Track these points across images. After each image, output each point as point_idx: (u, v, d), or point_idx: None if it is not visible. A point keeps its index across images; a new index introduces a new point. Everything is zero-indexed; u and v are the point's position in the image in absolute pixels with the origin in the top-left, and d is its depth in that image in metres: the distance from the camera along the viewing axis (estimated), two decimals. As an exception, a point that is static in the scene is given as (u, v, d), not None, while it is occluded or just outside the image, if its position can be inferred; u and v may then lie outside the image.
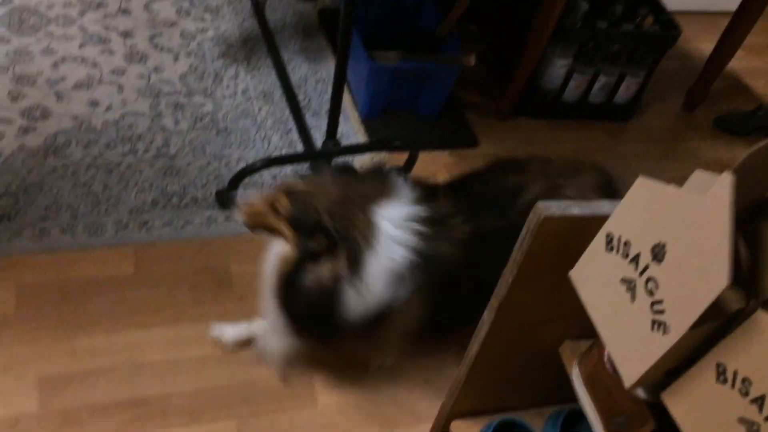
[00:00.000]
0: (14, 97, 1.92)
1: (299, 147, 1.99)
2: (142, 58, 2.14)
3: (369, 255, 1.17)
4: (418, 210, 1.21)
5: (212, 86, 2.11)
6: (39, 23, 2.15)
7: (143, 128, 1.94)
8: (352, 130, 2.08)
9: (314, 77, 2.24)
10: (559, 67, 2.15)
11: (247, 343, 1.51)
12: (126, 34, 2.20)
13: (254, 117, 2.06)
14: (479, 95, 2.30)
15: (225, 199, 1.79)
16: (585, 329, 0.81)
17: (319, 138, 2.03)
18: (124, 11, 2.27)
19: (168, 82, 2.09)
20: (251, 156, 1.94)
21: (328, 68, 2.28)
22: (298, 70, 2.25)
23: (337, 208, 1.19)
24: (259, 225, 1.29)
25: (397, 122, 2.13)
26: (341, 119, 2.05)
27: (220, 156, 1.92)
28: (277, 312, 1.30)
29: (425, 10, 2.24)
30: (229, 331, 1.51)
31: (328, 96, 2.18)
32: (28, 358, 1.40)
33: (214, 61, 2.20)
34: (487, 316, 0.95)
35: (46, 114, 1.90)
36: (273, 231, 1.27)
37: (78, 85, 2.00)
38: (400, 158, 1.97)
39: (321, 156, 1.83)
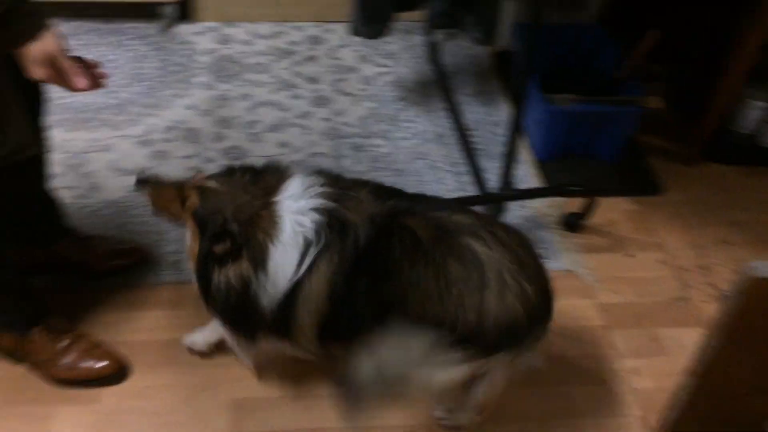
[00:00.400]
0: (217, 138, 2.12)
1: (472, 189, 2.01)
2: (326, 102, 2.28)
3: (273, 249, 1.20)
4: (321, 179, 1.25)
5: (389, 129, 2.20)
6: (237, 71, 2.36)
7: (321, 162, 2.06)
8: (526, 173, 2.07)
9: (488, 120, 2.27)
10: (756, 108, 2.01)
11: (221, 344, 1.53)
12: (312, 80, 2.36)
13: (428, 159, 2.11)
14: (663, 139, 2.20)
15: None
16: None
17: (492, 181, 2.04)
18: (311, 59, 2.44)
19: (349, 125, 2.20)
20: (423, 191, 1.98)
21: (502, 111, 2.29)
22: (472, 113, 2.29)
23: (242, 209, 1.22)
24: (163, 210, 1.35)
25: (574, 167, 2.09)
26: (518, 165, 2.05)
27: (395, 195, 1.99)
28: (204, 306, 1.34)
29: (603, 51, 2.19)
30: (198, 337, 1.54)
31: (502, 139, 2.19)
32: (223, 380, 1.52)
33: (391, 104, 2.29)
34: (689, 382, 0.90)
35: (243, 154, 2.08)
36: (177, 220, 1.33)
37: (270, 128, 2.17)
38: (576, 204, 1.92)
39: (496, 199, 1.84)
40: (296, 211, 1.22)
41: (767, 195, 2.03)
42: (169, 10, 2.44)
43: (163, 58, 2.38)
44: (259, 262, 1.21)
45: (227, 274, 1.23)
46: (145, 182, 1.35)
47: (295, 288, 1.22)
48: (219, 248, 1.22)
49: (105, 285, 1.68)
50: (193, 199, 1.27)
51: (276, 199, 1.24)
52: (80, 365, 1.48)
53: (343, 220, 1.21)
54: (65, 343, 1.48)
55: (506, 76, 2.39)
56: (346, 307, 1.23)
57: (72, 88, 1.19)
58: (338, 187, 1.26)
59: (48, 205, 1.61)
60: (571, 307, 1.71)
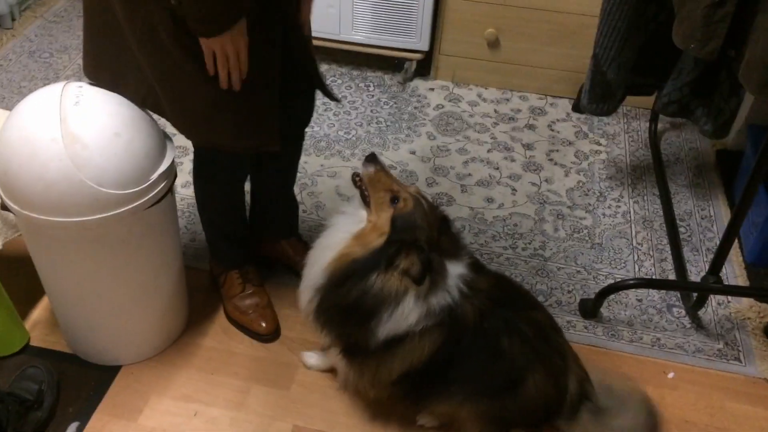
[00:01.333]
0: (429, 183, 2.30)
1: (671, 276, 1.98)
2: (537, 169, 2.38)
3: (429, 292, 1.33)
4: (468, 274, 1.39)
5: (595, 203, 2.25)
6: (460, 127, 2.55)
7: (526, 229, 2.15)
8: (732, 272, 2.00)
9: (700, 213, 2.22)
10: None
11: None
12: (528, 147, 2.47)
13: (630, 239, 2.12)
14: None
15: (588, 308, 1.87)
16: None
17: (693, 272, 2.00)
18: (530, 127, 2.56)
19: (555, 193, 2.28)
20: (620, 275, 2.00)
21: (716, 206, 2.24)
22: (684, 203, 2.26)
23: (431, 244, 1.34)
24: (368, 190, 1.40)
25: (787, 275, 1.98)
26: (726, 262, 1.99)
27: (591, 268, 2.02)
28: (310, 301, 1.40)
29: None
30: (313, 360, 1.69)
31: (711, 234, 2.15)
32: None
33: (601, 181, 2.34)
34: None
35: (450, 201, 2.23)
36: (368, 205, 1.39)
37: (480, 183, 2.31)
38: (783, 312, 1.83)
39: (699, 289, 1.81)
40: (451, 282, 1.37)
41: None
42: (410, 66, 2.71)
43: (397, 106, 2.64)
44: (428, 292, 1.34)
45: (385, 282, 1.31)
46: (375, 161, 1.44)
47: (403, 336, 1.35)
48: (405, 261, 1.31)
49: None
50: (406, 204, 1.36)
51: (447, 259, 1.38)
52: (249, 314, 1.77)
53: (458, 313, 1.37)
54: (249, 291, 1.79)
55: (728, 173, 2.34)
56: (438, 375, 1.41)
57: None
58: (473, 285, 1.40)
59: (288, 204, 1.88)
60: (761, 416, 1.62)
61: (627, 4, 1.92)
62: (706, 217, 2.21)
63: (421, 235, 1.34)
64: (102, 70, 1.42)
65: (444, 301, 1.35)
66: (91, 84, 1.41)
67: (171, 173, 1.47)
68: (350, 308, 1.35)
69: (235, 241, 1.79)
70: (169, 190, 1.49)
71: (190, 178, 2.17)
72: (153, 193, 1.41)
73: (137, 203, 1.39)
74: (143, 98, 1.41)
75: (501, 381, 1.42)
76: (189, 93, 1.34)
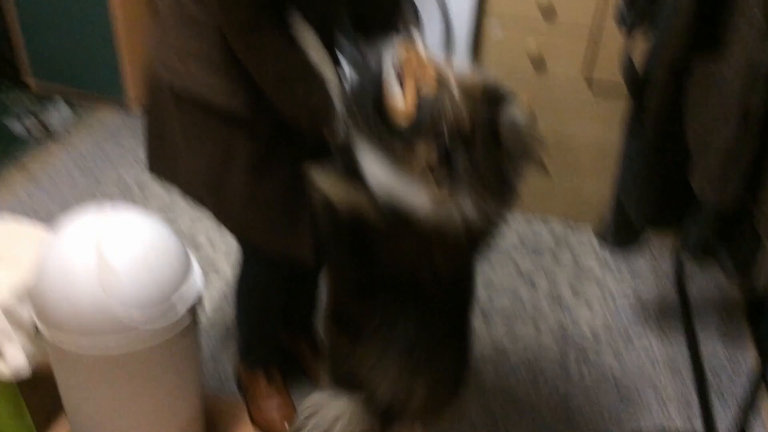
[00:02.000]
0: (453, 312, 2.30)
1: (697, 425, 1.92)
2: (561, 303, 2.37)
3: None
4: None
5: (622, 346, 2.21)
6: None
7: (547, 366, 2.11)
8: (762, 426, 1.93)
9: (729, 362, 2.17)
10: None
11: None
12: (551, 277, 2.48)
13: (655, 384, 2.07)
14: None
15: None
16: None
17: (721, 425, 1.93)
18: (554, 257, 2.57)
19: (579, 330, 2.26)
20: (646, 421, 1.94)
21: (745, 355, 2.19)
22: (712, 347, 2.21)
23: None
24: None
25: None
26: (756, 417, 1.93)
27: (613, 412, 1.97)
28: None
29: None
30: None
31: (740, 382, 2.09)
32: None
33: (627, 320, 2.31)
34: None
35: (472, 331, 2.22)
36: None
37: (500, 313, 2.30)
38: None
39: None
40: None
41: None
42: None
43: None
44: None
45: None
46: (407, 42, 1.24)
47: None
48: (421, 147, 1.11)
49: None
50: (429, 90, 1.14)
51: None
52: (272, 415, 1.78)
53: None
54: (273, 392, 1.81)
55: (756, 318, 2.30)
56: None
57: None
58: None
59: (313, 296, 1.94)
60: None
61: (646, 146, 1.97)
62: (735, 363, 2.15)
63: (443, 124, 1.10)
64: (160, 166, 1.56)
65: None
66: (127, 209, 1.48)
67: (196, 299, 1.51)
68: None
69: (266, 337, 1.83)
70: (194, 318, 1.52)
71: (220, 301, 2.21)
72: (177, 320, 1.44)
73: (161, 330, 1.41)
74: (192, 195, 1.53)
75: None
76: (230, 188, 1.43)
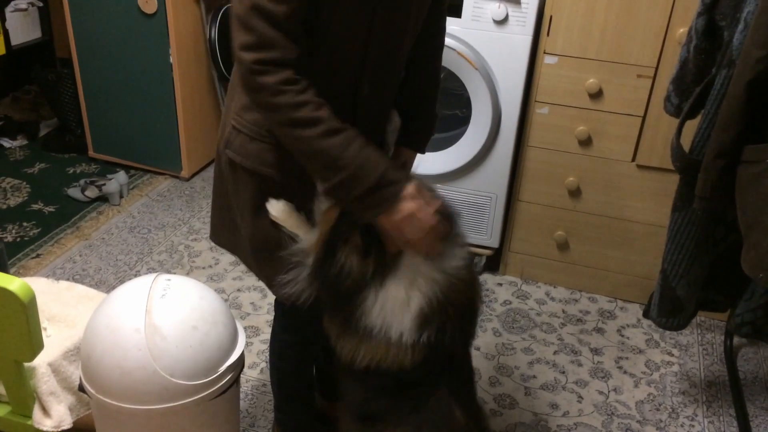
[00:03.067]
0: (492, 383, 2.28)
1: None
2: (605, 376, 2.32)
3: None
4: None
5: (667, 420, 2.15)
6: (527, 326, 2.55)
7: (591, 441, 2.06)
8: None
9: (782, 441, 2.09)
10: None
11: None
12: (596, 351, 2.44)
13: (705, 464, 2.00)
14: None
15: None
16: None
17: None
18: (599, 330, 2.54)
19: (624, 405, 2.20)
20: (694, 504, 1.86)
21: (800, 436, 2.10)
22: (763, 428, 2.13)
23: None
24: None
25: None
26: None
27: (661, 493, 1.90)
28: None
29: None
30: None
31: (795, 466, 2.00)
32: None
33: (673, 396, 2.25)
34: None
35: (513, 404, 2.19)
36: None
37: (544, 386, 2.27)
38: None
39: None
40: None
41: None
42: (479, 260, 2.79)
43: (464, 299, 2.69)
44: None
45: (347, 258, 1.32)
46: None
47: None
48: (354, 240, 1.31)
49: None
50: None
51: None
52: None
53: None
54: None
55: (811, 398, 2.21)
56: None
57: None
58: None
59: None
60: None
61: (695, 225, 1.96)
62: (789, 447, 2.07)
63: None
64: (221, 237, 1.63)
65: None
66: (179, 276, 1.54)
67: (239, 365, 1.54)
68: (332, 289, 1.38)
69: (302, 407, 1.84)
70: (235, 381, 1.55)
71: (257, 359, 2.25)
72: (220, 384, 1.47)
73: (204, 394, 1.45)
74: (249, 265, 1.58)
75: None
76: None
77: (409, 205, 1.24)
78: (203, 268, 2.73)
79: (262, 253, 1.51)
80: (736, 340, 2.47)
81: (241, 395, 2.12)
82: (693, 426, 2.13)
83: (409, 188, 1.25)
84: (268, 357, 1.81)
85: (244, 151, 1.43)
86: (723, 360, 2.40)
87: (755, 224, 1.71)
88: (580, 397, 2.23)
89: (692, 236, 1.99)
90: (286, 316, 1.69)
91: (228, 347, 1.50)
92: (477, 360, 2.36)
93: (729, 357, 2.39)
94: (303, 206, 1.44)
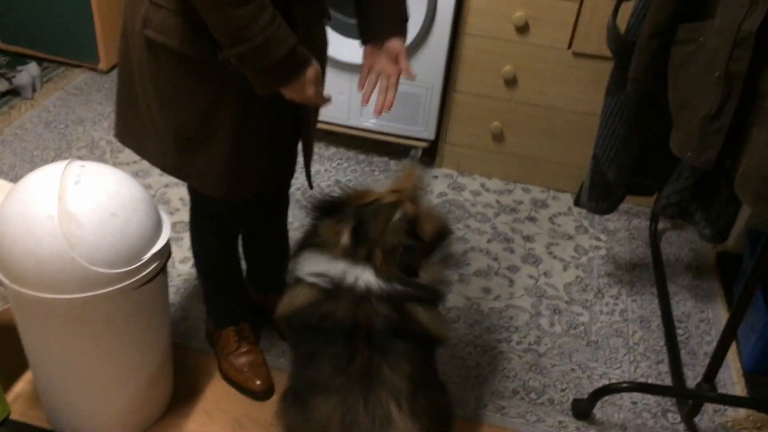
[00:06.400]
0: (427, 271, 2.30)
1: (667, 380, 1.95)
2: (536, 262, 2.38)
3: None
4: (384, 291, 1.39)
5: (592, 300, 2.23)
6: (462, 216, 2.57)
7: (521, 322, 2.13)
8: (730, 379, 1.96)
9: (698, 316, 2.20)
10: None
11: None
12: (528, 239, 2.48)
13: (627, 338, 2.09)
14: None
15: (581, 409, 1.83)
16: None
17: (690, 376, 1.96)
18: (531, 219, 2.58)
19: (553, 287, 2.27)
20: (616, 375, 1.96)
21: (715, 310, 2.22)
22: (682, 305, 2.24)
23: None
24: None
25: (787, 386, 1.94)
26: (723, 368, 1.96)
27: (585, 366, 1.99)
28: None
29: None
30: None
31: (709, 338, 2.12)
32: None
33: (599, 277, 2.33)
34: None
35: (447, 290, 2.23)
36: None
37: (477, 273, 2.31)
38: (781, 425, 1.78)
39: (693, 397, 1.77)
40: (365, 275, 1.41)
41: None
42: (415, 153, 2.77)
43: (399, 191, 2.67)
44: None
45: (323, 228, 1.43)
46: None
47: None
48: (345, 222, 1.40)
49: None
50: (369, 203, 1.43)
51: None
52: (244, 372, 1.79)
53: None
54: (244, 349, 1.82)
55: (727, 277, 2.32)
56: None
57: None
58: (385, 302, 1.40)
59: (278, 251, 1.92)
60: None
61: (627, 109, 1.97)
62: (705, 320, 2.18)
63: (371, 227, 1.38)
64: (128, 136, 1.53)
65: (343, 278, 1.36)
66: (94, 162, 1.45)
67: (164, 254, 1.49)
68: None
69: (231, 296, 1.84)
70: (162, 270, 1.50)
71: (189, 254, 2.20)
72: (144, 273, 1.42)
73: (127, 283, 1.39)
74: (163, 165, 1.50)
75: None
76: (216, 144, 1.42)
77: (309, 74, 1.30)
78: (127, 164, 2.61)
79: (187, 143, 1.43)
80: (660, 224, 2.55)
81: (174, 289, 2.08)
82: (617, 304, 2.22)
83: (311, 71, 1.30)
84: (193, 253, 1.77)
85: (166, 29, 1.31)
86: (648, 243, 2.49)
87: (685, 104, 1.72)
88: (512, 281, 2.28)
89: (624, 120, 2.00)
90: (204, 205, 1.64)
91: (151, 235, 1.44)
92: (412, 249, 2.37)
93: (653, 240, 2.48)
94: (227, 89, 1.36)
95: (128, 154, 2.64)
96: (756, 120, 1.57)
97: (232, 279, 1.82)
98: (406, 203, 1.42)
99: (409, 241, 1.38)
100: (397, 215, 1.40)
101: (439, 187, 2.70)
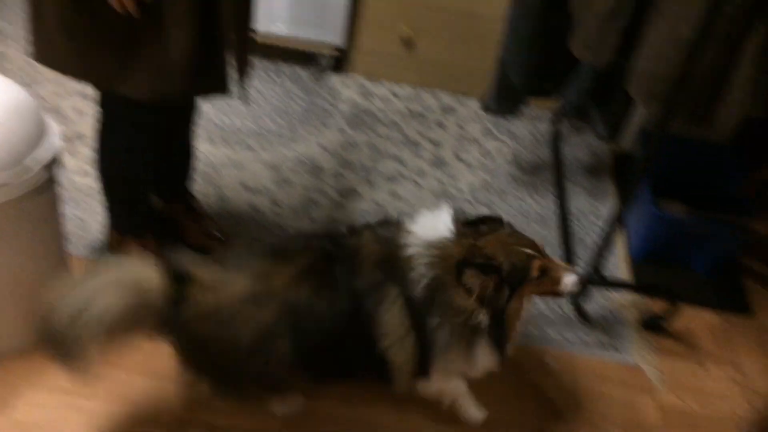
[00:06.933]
0: (336, 177, 2.32)
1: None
2: (444, 166, 2.43)
3: None
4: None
5: (497, 201, 2.32)
6: (371, 123, 2.58)
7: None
8: (618, 268, 2.10)
9: (593, 212, 2.33)
10: None
11: None
12: (436, 144, 2.53)
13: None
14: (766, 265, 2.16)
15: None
16: None
17: (582, 268, 2.09)
18: (440, 125, 2.62)
19: (460, 190, 2.34)
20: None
21: (609, 207, 2.34)
22: (579, 203, 2.36)
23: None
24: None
25: (667, 272, 2.09)
26: (611, 256, 2.09)
27: (487, 262, 2.09)
28: None
29: (725, 165, 2.20)
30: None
31: (600, 232, 2.24)
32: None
33: (504, 179, 2.41)
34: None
35: (356, 196, 2.26)
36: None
37: (386, 178, 2.35)
38: (660, 307, 1.93)
39: (581, 282, 1.89)
40: None
41: None
42: (325, 60, 2.73)
43: (309, 100, 2.65)
44: None
45: None
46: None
47: None
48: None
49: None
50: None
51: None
52: None
53: None
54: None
55: (622, 177, 2.45)
56: None
57: None
58: None
59: (185, 160, 1.90)
60: (630, 401, 1.71)
61: (531, 12, 1.99)
62: (598, 217, 2.31)
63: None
64: (45, 54, 1.46)
65: None
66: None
67: (51, 161, 1.45)
68: None
69: (136, 205, 1.81)
70: (51, 179, 1.46)
71: (87, 167, 2.14)
72: (28, 177, 1.38)
73: (10, 187, 1.36)
74: (44, 56, 1.44)
75: None
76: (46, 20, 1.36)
77: None
78: (16, 72, 2.47)
79: (81, 39, 1.37)
80: (562, 127, 2.64)
81: (71, 201, 2.03)
82: (520, 204, 2.32)
83: None
84: (95, 160, 1.72)
85: None
86: (550, 145, 2.57)
87: (585, 3, 1.76)
88: (420, 185, 2.34)
89: (528, 23, 2.03)
90: (112, 118, 1.59)
91: (34, 141, 1.40)
92: (322, 157, 2.38)
93: (555, 142, 2.57)
94: None
95: (18, 64, 2.50)
96: (650, 20, 1.63)
97: (140, 187, 1.78)
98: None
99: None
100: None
101: (349, 94, 2.69)
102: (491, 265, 1.29)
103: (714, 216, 2.01)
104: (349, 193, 2.26)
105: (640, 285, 2.02)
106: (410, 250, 1.33)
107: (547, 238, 2.19)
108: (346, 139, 2.49)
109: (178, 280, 1.30)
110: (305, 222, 2.14)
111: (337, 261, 1.38)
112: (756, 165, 2.05)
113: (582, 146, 2.61)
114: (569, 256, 2.08)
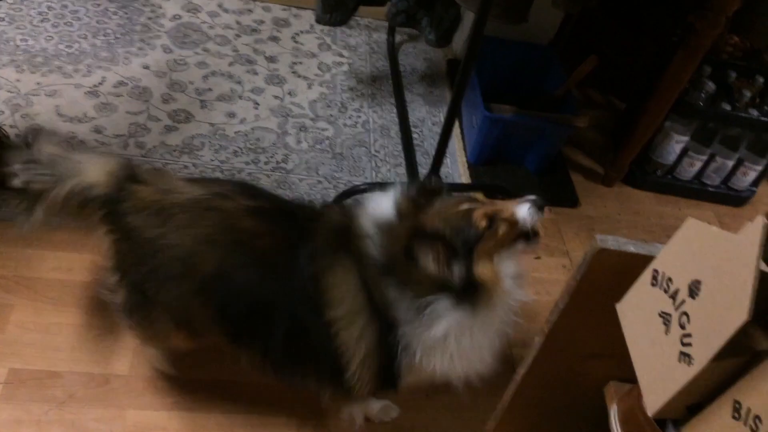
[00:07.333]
0: (165, 100, 2.17)
1: (403, 176, 2.10)
2: (281, 82, 2.35)
3: None
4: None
5: (337, 115, 2.29)
6: (199, 40, 2.42)
7: (268, 143, 2.13)
8: (457, 173, 2.17)
9: (431, 120, 2.37)
10: (675, 142, 2.14)
11: None
12: (271, 59, 2.43)
13: (369, 147, 2.20)
14: (589, 159, 2.33)
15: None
16: (633, 372, 0.82)
17: (424, 174, 2.13)
18: (274, 39, 2.51)
19: (298, 106, 2.28)
20: (359, 181, 2.07)
21: (445, 113, 2.39)
22: (418, 111, 2.39)
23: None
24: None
25: (502, 172, 2.20)
26: (449, 162, 2.16)
27: (331, 177, 2.07)
28: None
29: (551, 72, 2.31)
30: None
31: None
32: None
33: (343, 92, 2.38)
34: (537, 341, 0.99)
35: (188, 118, 2.13)
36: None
37: (221, 98, 2.23)
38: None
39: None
40: None
41: (672, 221, 2.17)
42: (140, -28, 2.50)
43: (128, 16, 2.42)
44: None
45: None
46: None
47: None
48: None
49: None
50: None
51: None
52: None
53: None
54: None
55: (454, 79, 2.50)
56: None
57: None
58: None
59: None
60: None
61: None
62: (437, 124, 2.35)
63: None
64: None
65: None
66: None
67: None
68: None
69: None
70: None
71: None
72: None
73: None
74: None
75: None
76: None
77: None
78: None
79: None
80: (398, 37, 2.63)
81: None
82: (360, 117, 2.30)
83: None
84: None
85: None
86: (387, 56, 2.56)
87: None
88: (257, 103, 2.24)
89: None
90: None
91: None
92: (147, 78, 2.21)
93: (391, 52, 2.56)
94: None
95: None
96: None
97: None
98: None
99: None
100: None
101: (172, 9, 2.49)
102: (435, 234, 1.15)
103: (541, 114, 2.12)
104: (181, 116, 2.13)
105: (477, 185, 2.11)
106: (364, 230, 1.19)
107: (390, 149, 2.21)
108: (172, 57, 2.32)
109: (129, 179, 1.27)
110: (135, 150, 1.99)
111: (296, 217, 1.26)
112: (573, 65, 2.17)
113: (418, 55, 2.62)
114: (411, 165, 2.11)
